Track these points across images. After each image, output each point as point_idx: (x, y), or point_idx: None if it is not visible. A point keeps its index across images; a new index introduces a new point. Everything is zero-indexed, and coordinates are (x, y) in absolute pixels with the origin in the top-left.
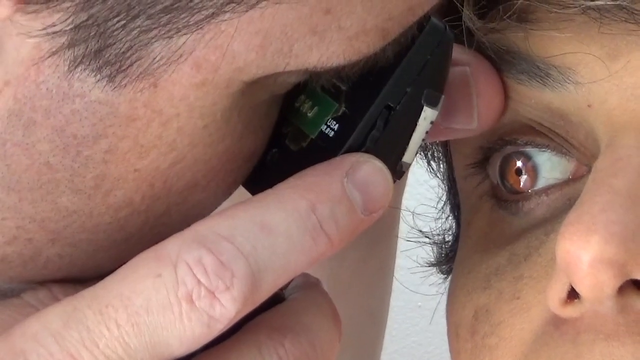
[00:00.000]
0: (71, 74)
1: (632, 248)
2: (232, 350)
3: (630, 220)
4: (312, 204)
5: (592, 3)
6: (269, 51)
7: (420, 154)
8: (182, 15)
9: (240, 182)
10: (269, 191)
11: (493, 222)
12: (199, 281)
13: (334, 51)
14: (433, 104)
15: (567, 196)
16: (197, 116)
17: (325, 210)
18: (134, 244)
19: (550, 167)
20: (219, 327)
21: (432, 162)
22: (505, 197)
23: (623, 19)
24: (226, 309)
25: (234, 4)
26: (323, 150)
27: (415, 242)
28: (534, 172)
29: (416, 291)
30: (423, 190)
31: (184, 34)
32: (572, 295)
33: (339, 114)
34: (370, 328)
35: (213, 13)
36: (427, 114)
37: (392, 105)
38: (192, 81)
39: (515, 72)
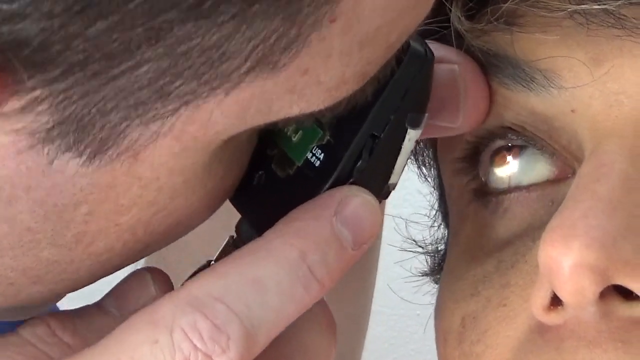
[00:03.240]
0: (51, 158)
1: (613, 253)
2: None
3: (612, 226)
4: (303, 252)
5: (578, 7)
6: (249, 114)
7: (411, 158)
8: (156, 105)
9: (220, 206)
10: (259, 241)
11: (480, 228)
12: (195, 346)
13: (314, 102)
14: (417, 126)
15: (550, 198)
16: (177, 175)
17: (316, 256)
18: (112, 271)
19: (532, 165)
20: None
21: (422, 168)
22: (489, 191)
23: (609, 24)
24: None
25: (210, 89)
26: (310, 180)
27: (410, 251)
28: (518, 160)
29: (414, 300)
30: (420, 198)
31: (161, 119)
32: (555, 302)
33: (324, 142)
34: (351, 334)
35: (187, 101)
36: (412, 136)
37: (376, 134)
38: (172, 150)
39: (502, 75)
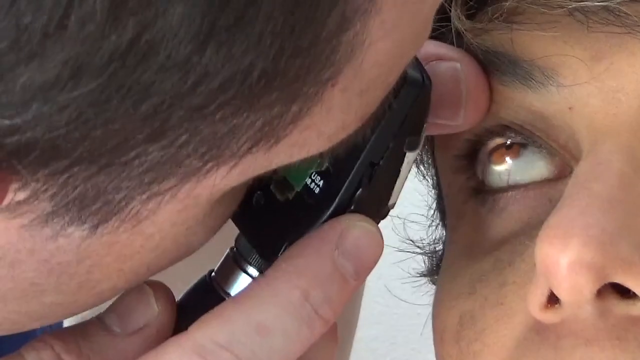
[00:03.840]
0: (54, 232)
1: (610, 251)
2: None
3: (609, 224)
4: (305, 292)
5: (579, 4)
6: (249, 173)
7: None
8: (157, 185)
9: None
10: (261, 282)
11: (477, 227)
12: None
13: (313, 149)
14: (415, 148)
15: (548, 196)
16: (179, 225)
17: (319, 295)
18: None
19: (531, 164)
20: None
21: (421, 166)
22: (487, 189)
23: (609, 21)
24: None
25: (212, 167)
26: (309, 207)
27: (408, 252)
28: (517, 158)
29: (414, 301)
30: (419, 197)
31: (163, 194)
32: (553, 300)
33: (323, 169)
34: (341, 339)
35: (189, 178)
36: (410, 158)
37: (375, 162)
38: (174, 209)
39: (500, 73)
